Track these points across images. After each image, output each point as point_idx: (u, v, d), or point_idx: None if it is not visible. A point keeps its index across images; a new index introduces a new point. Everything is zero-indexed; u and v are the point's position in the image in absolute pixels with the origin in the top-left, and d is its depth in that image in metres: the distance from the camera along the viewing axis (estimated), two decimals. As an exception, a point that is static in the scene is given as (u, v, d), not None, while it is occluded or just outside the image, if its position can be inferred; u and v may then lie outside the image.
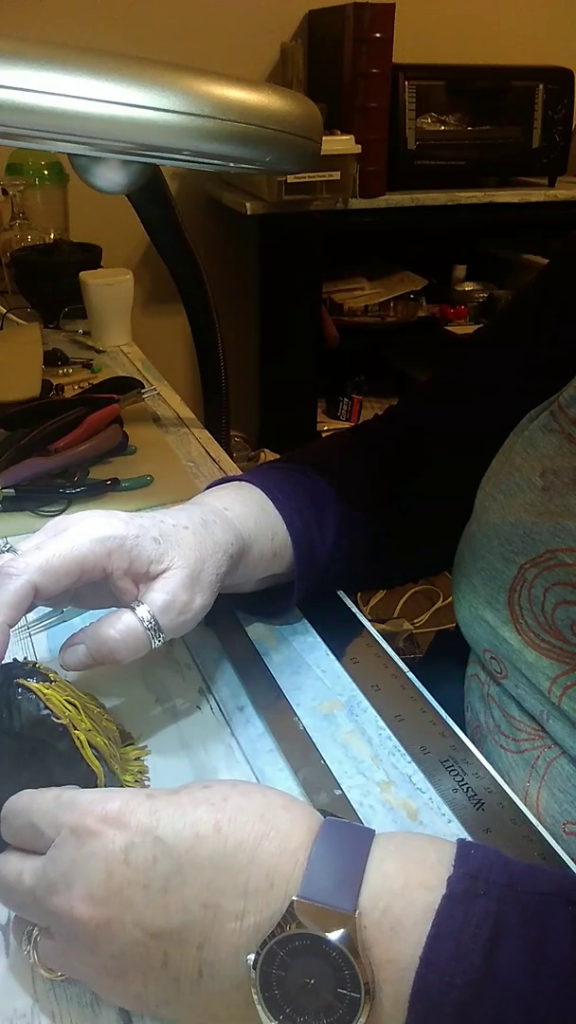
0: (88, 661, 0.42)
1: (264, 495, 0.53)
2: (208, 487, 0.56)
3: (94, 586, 0.44)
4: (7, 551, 0.47)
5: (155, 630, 0.42)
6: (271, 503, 0.53)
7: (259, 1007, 0.29)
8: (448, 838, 0.33)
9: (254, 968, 0.29)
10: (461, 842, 0.32)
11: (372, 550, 0.60)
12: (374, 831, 0.33)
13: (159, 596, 0.43)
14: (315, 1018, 0.29)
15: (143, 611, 0.42)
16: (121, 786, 0.41)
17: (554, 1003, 0.27)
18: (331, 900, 0.29)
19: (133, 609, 0.42)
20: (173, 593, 0.43)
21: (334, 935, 0.28)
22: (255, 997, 0.29)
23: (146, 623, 0.42)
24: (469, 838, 0.41)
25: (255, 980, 0.29)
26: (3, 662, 0.39)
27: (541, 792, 0.44)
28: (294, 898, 0.29)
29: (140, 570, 0.43)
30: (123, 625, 0.42)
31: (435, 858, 0.31)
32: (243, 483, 0.54)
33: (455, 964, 0.27)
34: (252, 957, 0.29)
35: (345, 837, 0.32)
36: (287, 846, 0.31)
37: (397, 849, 0.32)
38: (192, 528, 0.45)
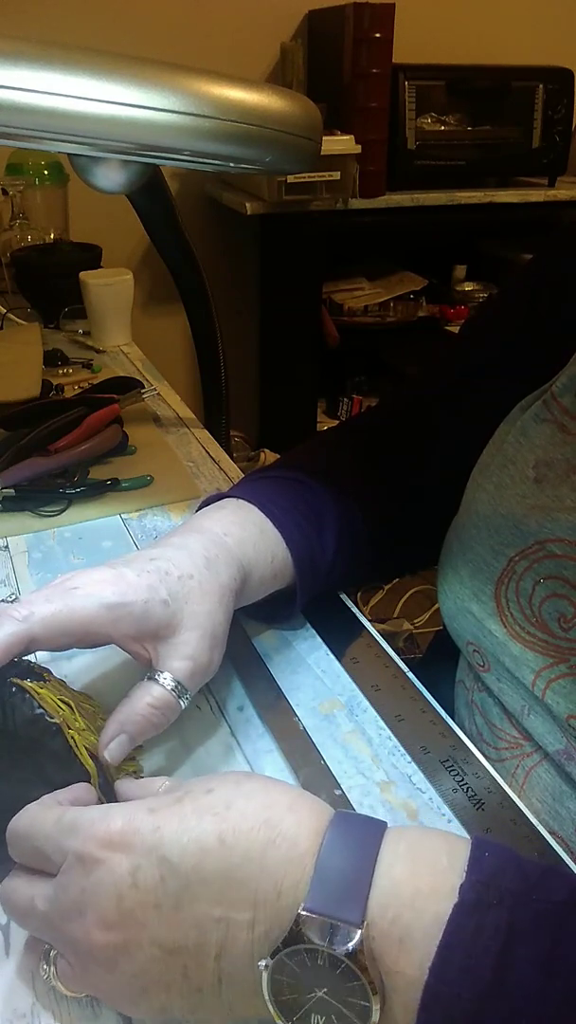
0: (132, 745, 0.41)
1: (261, 513, 0.52)
2: (204, 501, 0.55)
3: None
4: (12, 601, 0.46)
5: (182, 693, 0.42)
6: (269, 521, 0.52)
7: (272, 1010, 0.29)
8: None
9: (264, 976, 0.29)
10: (476, 843, 0.31)
11: (372, 547, 0.59)
12: (385, 825, 0.32)
13: (182, 665, 0.43)
14: (327, 1022, 0.29)
15: (167, 680, 0.42)
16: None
17: (563, 1018, 0.27)
18: (339, 912, 0.28)
19: (156, 679, 0.42)
20: (194, 658, 0.43)
21: (342, 949, 0.28)
22: (267, 1001, 0.29)
23: (173, 690, 0.42)
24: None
25: (267, 987, 0.29)
26: None
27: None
28: (301, 912, 0.29)
29: (149, 634, 0.43)
30: (155, 700, 0.41)
31: (447, 863, 0.30)
32: (240, 502, 0.53)
33: (464, 976, 0.27)
34: (263, 963, 0.29)
35: (354, 838, 0.31)
36: (294, 853, 0.30)
37: (408, 852, 0.31)
38: (198, 577, 0.45)
